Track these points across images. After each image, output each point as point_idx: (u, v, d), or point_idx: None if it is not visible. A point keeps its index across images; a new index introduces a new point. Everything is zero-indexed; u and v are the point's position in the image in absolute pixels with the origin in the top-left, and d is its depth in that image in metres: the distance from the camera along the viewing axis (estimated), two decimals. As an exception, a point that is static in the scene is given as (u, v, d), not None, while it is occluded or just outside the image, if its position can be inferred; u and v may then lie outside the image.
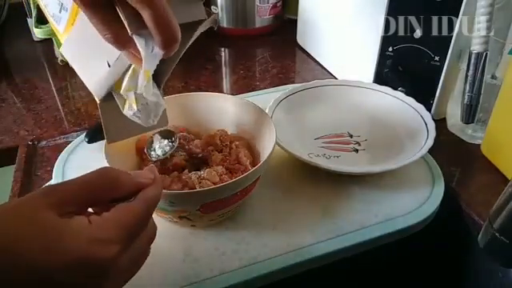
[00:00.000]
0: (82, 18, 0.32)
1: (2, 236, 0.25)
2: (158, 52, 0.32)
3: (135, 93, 0.36)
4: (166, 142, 0.45)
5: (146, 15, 0.29)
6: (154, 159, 0.45)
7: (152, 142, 0.46)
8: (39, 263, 0.25)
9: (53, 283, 0.25)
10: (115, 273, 0.28)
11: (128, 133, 0.42)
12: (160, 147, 0.45)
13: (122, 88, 0.36)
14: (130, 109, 0.38)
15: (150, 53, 0.32)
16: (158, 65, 0.35)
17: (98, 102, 0.39)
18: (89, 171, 0.30)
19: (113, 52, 0.34)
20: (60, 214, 0.26)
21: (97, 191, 0.29)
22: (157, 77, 0.39)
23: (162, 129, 0.45)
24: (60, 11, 0.39)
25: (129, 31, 0.30)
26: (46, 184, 0.51)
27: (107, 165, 0.40)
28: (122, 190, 0.30)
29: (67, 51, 0.40)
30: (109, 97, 0.39)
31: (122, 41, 0.31)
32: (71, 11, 0.38)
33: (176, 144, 0.45)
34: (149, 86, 0.36)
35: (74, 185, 0.29)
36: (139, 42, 0.31)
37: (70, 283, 0.26)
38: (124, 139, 0.43)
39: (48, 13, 0.41)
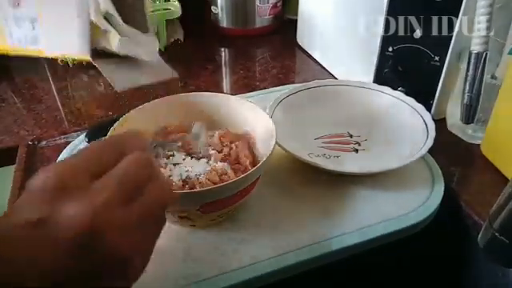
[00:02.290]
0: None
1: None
2: None
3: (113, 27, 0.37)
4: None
5: None
6: None
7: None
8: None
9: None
10: (119, 224, 0.25)
11: (131, 82, 0.43)
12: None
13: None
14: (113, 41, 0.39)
15: None
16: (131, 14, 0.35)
17: (91, 59, 0.40)
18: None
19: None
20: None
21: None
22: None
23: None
24: None
25: None
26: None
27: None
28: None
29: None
30: (97, 54, 0.40)
31: None
32: None
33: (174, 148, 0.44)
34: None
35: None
36: None
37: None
38: (130, 87, 0.44)
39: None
